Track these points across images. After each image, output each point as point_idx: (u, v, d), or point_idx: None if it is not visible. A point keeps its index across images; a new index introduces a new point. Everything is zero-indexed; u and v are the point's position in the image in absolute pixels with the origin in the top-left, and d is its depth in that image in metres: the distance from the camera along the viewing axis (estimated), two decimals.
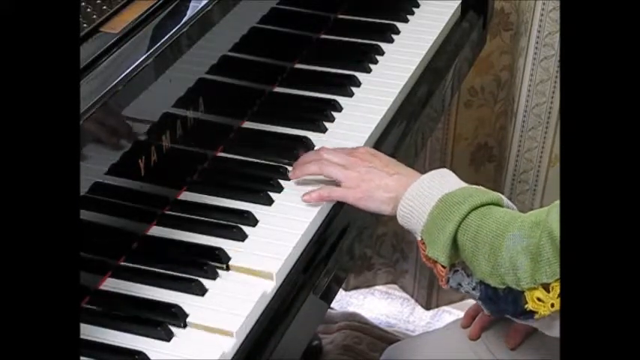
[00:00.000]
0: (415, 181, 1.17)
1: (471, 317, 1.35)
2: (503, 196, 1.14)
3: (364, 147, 1.31)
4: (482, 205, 1.12)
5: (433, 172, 1.19)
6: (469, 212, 1.11)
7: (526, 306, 1.06)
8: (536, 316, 1.06)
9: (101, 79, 1.07)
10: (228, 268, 1.14)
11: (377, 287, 2.28)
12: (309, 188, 1.25)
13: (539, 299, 1.05)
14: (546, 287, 1.04)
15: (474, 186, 1.16)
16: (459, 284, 1.15)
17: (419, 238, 1.16)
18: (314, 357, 2.02)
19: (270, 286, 1.12)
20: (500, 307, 1.10)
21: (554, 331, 1.08)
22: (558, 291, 1.03)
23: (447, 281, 1.15)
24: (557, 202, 1.05)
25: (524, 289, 1.05)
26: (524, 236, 1.05)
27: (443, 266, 1.13)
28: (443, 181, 1.16)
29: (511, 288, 1.07)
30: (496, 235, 1.08)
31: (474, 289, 1.13)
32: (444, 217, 1.12)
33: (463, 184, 1.17)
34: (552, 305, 1.04)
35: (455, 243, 1.12)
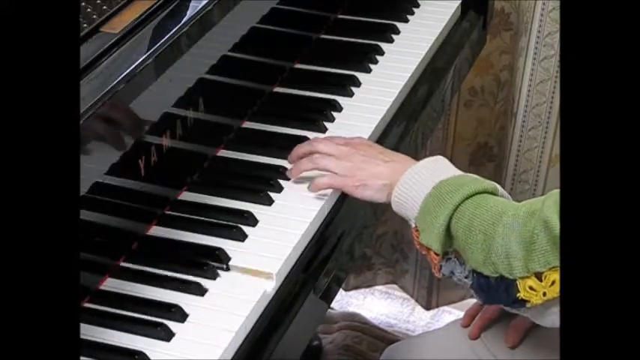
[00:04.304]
0: (409, 168, 1.17)
1: (470, 317, 1.35)
2: (498, 185, 1.14)
3: (359, 137, 1.30)
4: (477, 194, 1.11)
5: (427, 159, 1.19)
6: (463, 201, 1.11)
7: (518, 295, 1.06)
8: (528, 305, 1.06)
9: (101, 79, 1.07)
10: (228, 268, 1.14)
11: (377, 287, 2.28)
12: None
13: (531, 288, 1.05)
14: (539, 276, 1.04)
15: (469, 174, 1.16)
16: (452, 272, 1.15)
17: (413, 225, 1.16)
18: (314, 357, 2.02)
19: (270, 286, 1.12)
20: (492, 295, 1.10)
21: (546, 320, 1.08)
22: (551, 280, 1.03)
23: (440, 269, 1.15)
24: (554, 191, 1.05)
25: (517, 277, 1.05)
26: (518, 224, 1.05)
27: (436, 254, 1.13)
28: (437, 169, 1.16)
29: (503, 277, 1.07)
30: (490, 223, 1.08)
31: (466, 277, 1.13)
32: (437, 205, 1.12)
33: (458, 172, 1.17)
34: (544, 294, 1.04)
35: (448, 231, 1.12)
